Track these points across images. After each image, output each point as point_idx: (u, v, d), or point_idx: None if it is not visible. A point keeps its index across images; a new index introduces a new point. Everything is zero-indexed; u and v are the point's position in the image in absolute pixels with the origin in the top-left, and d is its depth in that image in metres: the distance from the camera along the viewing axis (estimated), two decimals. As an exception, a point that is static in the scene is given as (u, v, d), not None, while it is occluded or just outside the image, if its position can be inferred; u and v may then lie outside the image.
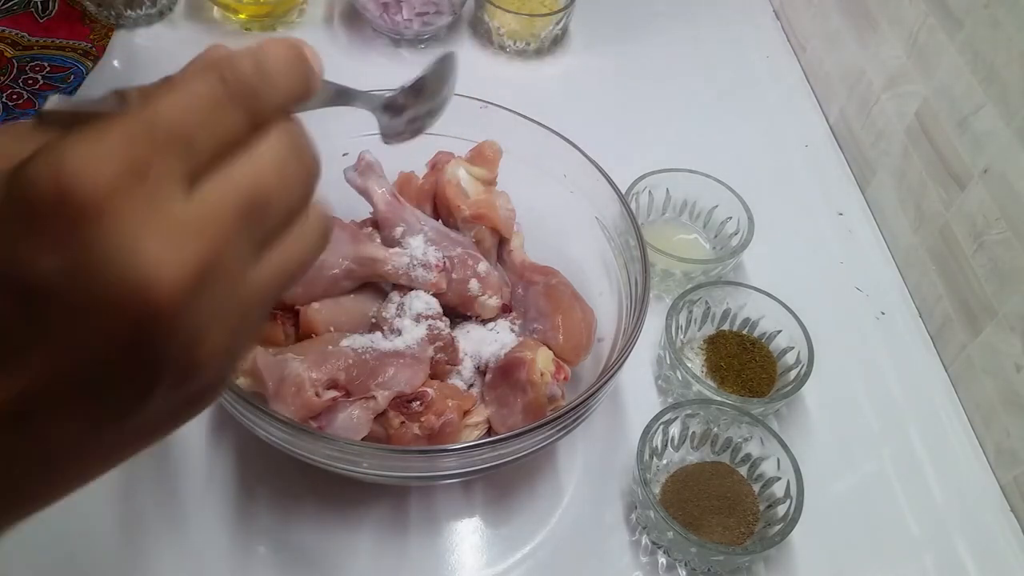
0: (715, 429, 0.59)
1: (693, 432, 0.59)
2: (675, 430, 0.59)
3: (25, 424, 0.23)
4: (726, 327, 0.67)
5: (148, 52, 0.86)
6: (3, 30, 0.83)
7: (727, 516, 0.56)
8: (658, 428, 0.57)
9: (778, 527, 0.54)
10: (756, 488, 0.58)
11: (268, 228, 0.25)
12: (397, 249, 0.58)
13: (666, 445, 0.59)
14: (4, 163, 0.22)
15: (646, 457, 0.56)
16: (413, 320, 0.56)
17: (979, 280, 0.65)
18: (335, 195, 0.60)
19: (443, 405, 0.53)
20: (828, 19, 0.91)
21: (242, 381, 0.54)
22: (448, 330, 0.57)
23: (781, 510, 0.55)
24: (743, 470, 0.59)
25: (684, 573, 0.55)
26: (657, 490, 0.58)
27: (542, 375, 0.54)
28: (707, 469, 0.58)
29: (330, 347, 0.53)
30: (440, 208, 0.63)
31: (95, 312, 0.21)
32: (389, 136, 0.39)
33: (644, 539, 0.57)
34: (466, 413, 0.55)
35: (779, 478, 0.56)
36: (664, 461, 0.60)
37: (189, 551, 0.53)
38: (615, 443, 0.62)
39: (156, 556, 0.53)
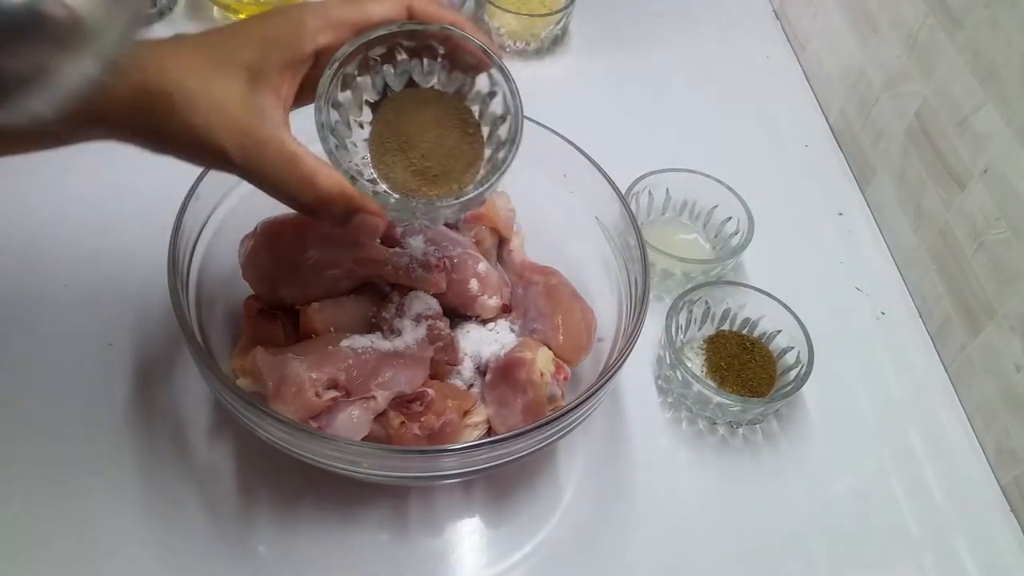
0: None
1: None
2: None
3: None
4: (726, 327, 0.67)
5: (148, 52, 0.86)
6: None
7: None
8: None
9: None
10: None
11: None
12: (397, 249, 0.58)
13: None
14: None
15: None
16: (413, 320, 0.56)
17: (979, 280, 0.65)
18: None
19: (443, 405, 0.53)
20: (828, 19, 0.91)
21: (242, 381, 0.54)
22: (448, 330, 0.57)
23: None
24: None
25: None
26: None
27: (542, 375, 0.54)
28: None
29: (330, 347, 0.53)
30: (440, 208, 0.63)
31: None
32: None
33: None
34: (466, 413, 0.55)
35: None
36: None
37: (189, 551, 0.53)
38: (615, 443, 0.62)
39: (155, 556, 0.53)
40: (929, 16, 0.73)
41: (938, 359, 0.71)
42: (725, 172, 0.74)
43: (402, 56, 0.47)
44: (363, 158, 0.48)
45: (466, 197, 0.46)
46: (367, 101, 0.47)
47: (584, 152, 0.61)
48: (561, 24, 0.92)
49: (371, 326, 0.57)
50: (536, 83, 0.90)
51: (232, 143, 0.41)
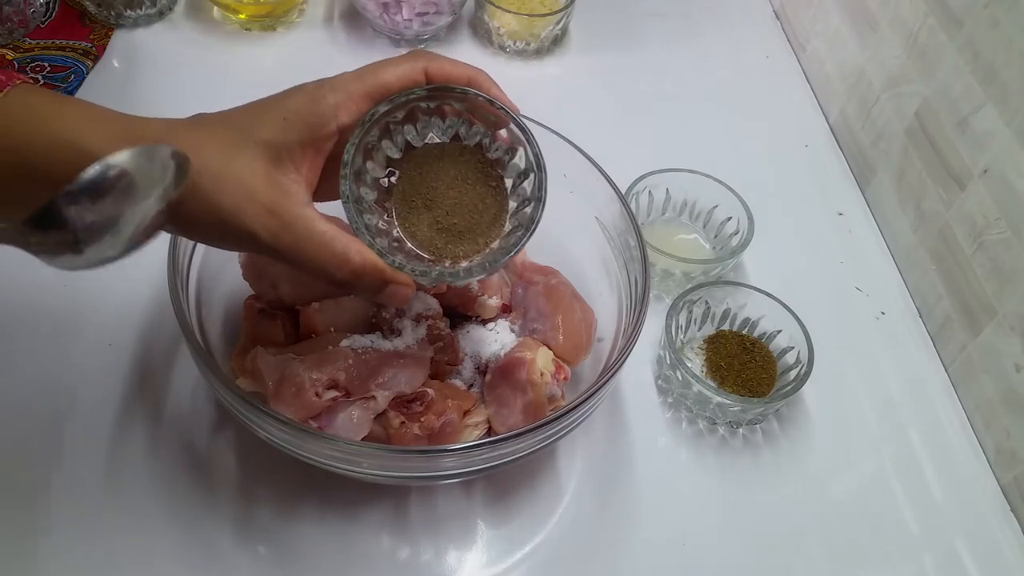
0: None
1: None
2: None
3: None
4: (726, 327, 0.67)
5: (148, 52, 0.86)
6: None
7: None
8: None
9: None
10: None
11: None
12: (397, 249, 0.58)
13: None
14: None
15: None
16: (413, 320, 0.56)
17: (979, 280, 0.65)
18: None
19: (443, 405, 0.53)
20: (828, 19, 0.91)
21: (242, 381, 0.54)
22: (448, 330, 0.57)
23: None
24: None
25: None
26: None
27: (542, 375, 0.54)
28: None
29: (330, 347, 0.53)
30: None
31: None
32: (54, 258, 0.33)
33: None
34: (466, 413, 0.55)
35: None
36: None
37: (188, 551, 0.53)
38: (615, 443, 0.62)
39: (155, 556, 0.53)
40: (929, 16, 0.73)
41: (938, 359, 0.71)
42: (725, 172, 0.74)
43: (422, 116, 0.47)
44: (389, 218, 0.48)
45: (493, 267, 0.47)
46: (389, 158, 0.47)
47: (584, 152, 0.61)
48: (561, 24, 0.92)
49: (371, 326, 0.57)
50: (536, 83, 0.90)
51: (261, 224, 0.41)
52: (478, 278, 0.47)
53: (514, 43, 0.91)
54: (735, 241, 0.71)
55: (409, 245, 0.47)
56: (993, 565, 0.59)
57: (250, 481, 0.56)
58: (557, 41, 0.94)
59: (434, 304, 0.57)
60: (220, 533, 0.54)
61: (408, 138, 0.47)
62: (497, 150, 0.47)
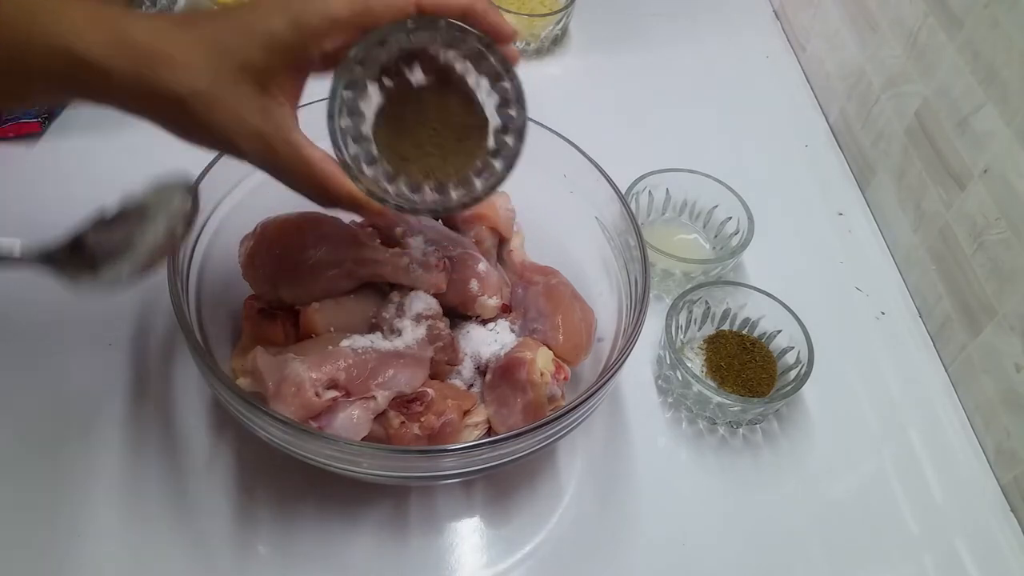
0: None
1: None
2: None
3: None
4: (726, 327, 0.67)
5: (148, 52, 0.85)
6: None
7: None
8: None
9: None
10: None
11: None
12: (397, 249, 0.58)
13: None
14: None
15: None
16: (413, 320, 0.56)
17: (979, 280, 0.65)
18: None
19: (443, 405, 0.53)
20: (828, 19, 0.91)
21: (242, 381, 0.54)
22: (448, 330, 0.57)
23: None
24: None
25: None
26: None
27: (542, 375, 0.54)
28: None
29: (330, 347, 0.53)
30: (440, 208, 0.63)
31: None
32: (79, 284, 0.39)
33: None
34: (466, 413, 0.55)
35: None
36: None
37: (188, 551, 0.53)
38: (615, 443, 0.62)
39: (155, 556, 0.53)
40: (929, 16, 0.73)
41: (938, 359, 0.71)
42: (725, 172, 0.74)
43: (411, 43, 0.46)
44: (377, 144, 0.48)
45: (474, 201, 0.46)
46: (379, 85, 0.47)
47: (584, 152, 0.61)
48: (561, 24, 0.92)
49: (371, 326, 0.57)
50: (536, 83, 0.89)
51: (249, 146, 0.43)
52: (459, 211, 0.47)
53: (514, 43, 0.91)
54: (735, 241, 0.71)
55: (394, 170, 0.48)
56: (993, 565, 0.59)
57: (250, 481, 0.56)
58: (557, 41, 0.94)
59: (434, 304, 0.57)
60: (220, 533, 0.54)
61: (397, 63, 0.47)
62: (483, 79, 0.48)
